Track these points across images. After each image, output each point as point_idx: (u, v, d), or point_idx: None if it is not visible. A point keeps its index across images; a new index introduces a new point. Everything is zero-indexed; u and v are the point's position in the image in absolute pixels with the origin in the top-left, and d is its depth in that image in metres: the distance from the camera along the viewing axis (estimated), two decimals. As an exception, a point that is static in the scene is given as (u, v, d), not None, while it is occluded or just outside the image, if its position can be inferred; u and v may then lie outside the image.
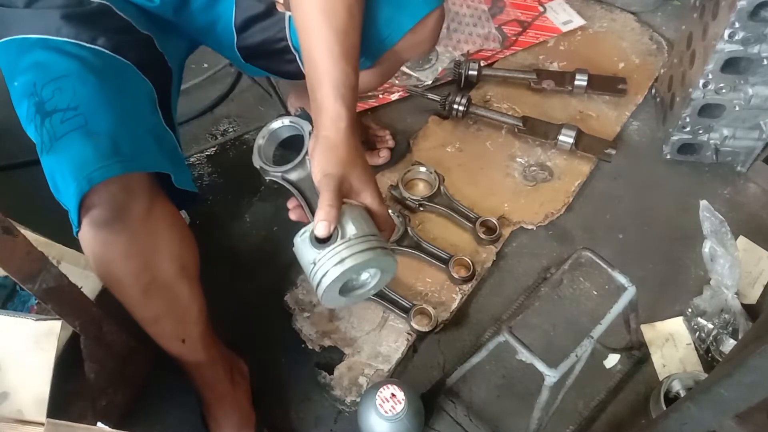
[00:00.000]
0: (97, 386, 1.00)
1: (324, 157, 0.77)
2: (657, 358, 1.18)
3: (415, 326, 1.19)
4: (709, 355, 1.16)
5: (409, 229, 1.30)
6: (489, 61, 1.63)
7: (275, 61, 1.09)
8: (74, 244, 0.84)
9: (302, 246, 0.75)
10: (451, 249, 1.29)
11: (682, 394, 1.08)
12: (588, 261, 0.96)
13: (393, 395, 0.97)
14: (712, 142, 1.37)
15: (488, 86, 1.59)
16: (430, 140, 1.50)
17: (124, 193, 0.78)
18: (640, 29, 1.70)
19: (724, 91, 1.26)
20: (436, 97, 1.51)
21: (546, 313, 1.19)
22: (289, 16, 1.03)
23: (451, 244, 1.32)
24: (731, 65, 1.22)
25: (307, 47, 0.82)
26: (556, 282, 0.98)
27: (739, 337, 1.13)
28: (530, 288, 1.28)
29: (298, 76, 1.10)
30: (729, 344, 1.14)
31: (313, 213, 0.81)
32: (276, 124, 0.88)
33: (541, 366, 0.87)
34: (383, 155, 1.44)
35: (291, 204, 0.84)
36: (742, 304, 1.17)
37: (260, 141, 0.87)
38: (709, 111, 1.31)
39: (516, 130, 1.47)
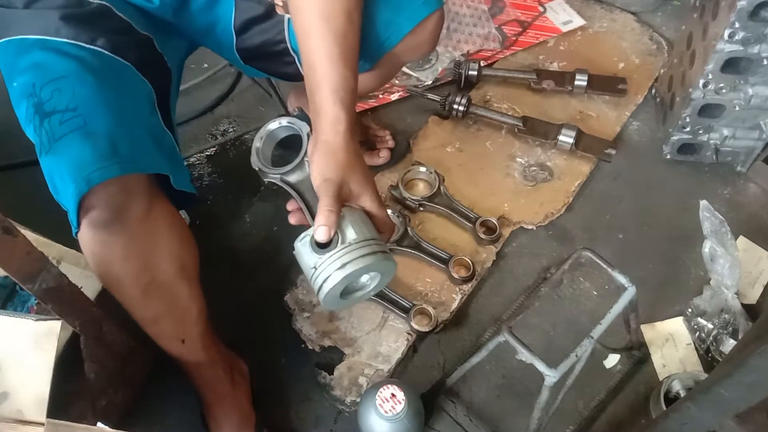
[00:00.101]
0: (97, 386, 1.00)
1: (323, 162, 0.78)
2: (657, 358, 1.18)
3: (415, 326, 1.19)
4: (709, 355, 1.16)
5: (409, 229, 1.30)
6: (489, 61, 1.63)
7: (274, 62, 1.09)
8: (74, 244, 0.84)
9: (302, 250, 0.76)
10: (451, 249, 1.29)
11: (682, 394, 1.08)
12: (588, 261, 0.96)
13: (393, 395, 0.97)
14: (712, 142, 1.37)
15: (488, 86, 1.60)
16: (430, 140, 1.50)
17: (123, 194, 0.78)
18: (640, 29, 1.70)
19: (724, 91, 1.26)
20: (436, 97, 1.51)
21: (546, 313, 1.19)
22: (288, 19, 1.03)
23: (451, 244, 1.32)
24: (731, 65, 1.22)
25: (306, 51, 0.82)
26: (556, 282, 0.98)
27: (739, 337, 1.13)
28: (530, 288, 1.28)
29: (297, 77, 1.10)
30: (729, 344, 1.14)
31: (312, 215, 0.81)
32: (273, 125, 0.88)
33: (541, 366, 0.87)
34: (383, 155, 1.44)
35: (290, 206, 0.84)
36: (742, 304, 1.17)
37: (258, 143, 0.87)
38: (709, 111, 1.31)
39: (516, 130, 1.47)
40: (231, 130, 1.55)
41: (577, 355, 0.89)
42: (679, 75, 1.38)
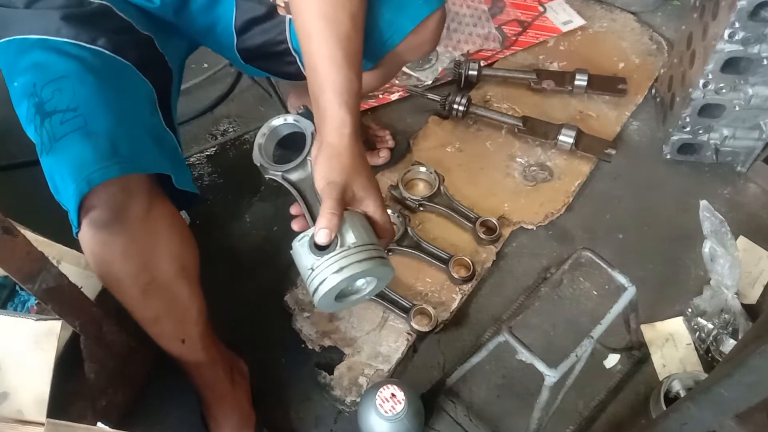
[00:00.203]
0: (97, 386, 1.00)
1: (327, 165, 0.77)
2: (657, 358, 1.18)
3: (415, 326, 1.19)
4: (709, 355, 1.16)
5: (409, 229, 1.30)
6: (489, 61, 1.63)
7: (275, 62, 1.09)
8: (74, 244, 0.84)
9: (300, 251, 0.75)
10: (451, 249, 1.29)
11: (682, 394, 1.08)
12: (588, 261, 0.96)
13: (393, 395, 0.97)
14: (712, 142, 1.37)
15: (488, 86, 1.59)
16: (430, 140, 1.50)
17: (123, 194, 0.78)
18: (640, 29, 1.70)
19: (724, 91, 1.26)
20: (436, 97, 1.51)
21: (546, 313, 1.19)
22: (290, 19, 1.03)
23: (451, 244, 1.32)
24: (731, 65, 1.22)
25: (309, 53, 0.82)
26: (556, 282, 0.98)
27: (739, 337, 1.13)
28: (530, 288, 1.28)
29: (298, 77, 1.10)
30: (729, 344, 1.14)
31: (312, 215, 0.81)
32: (277, 121, 0.87)
33: (541, 366, 0.87)
34: (383, 155, 1.44)
35: (294, 210, 0.84)
36: (742, 304, 1.17)
37: (260, 138, 0.87)
38: (709, 111, 1.31)
39: (516, 130, 1.47)
40: (231, 130, 1.55)
41: (577, 355, 0.89)
42: (679, 75, 1.38)
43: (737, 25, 1.15)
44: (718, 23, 1.19)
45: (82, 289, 0.91)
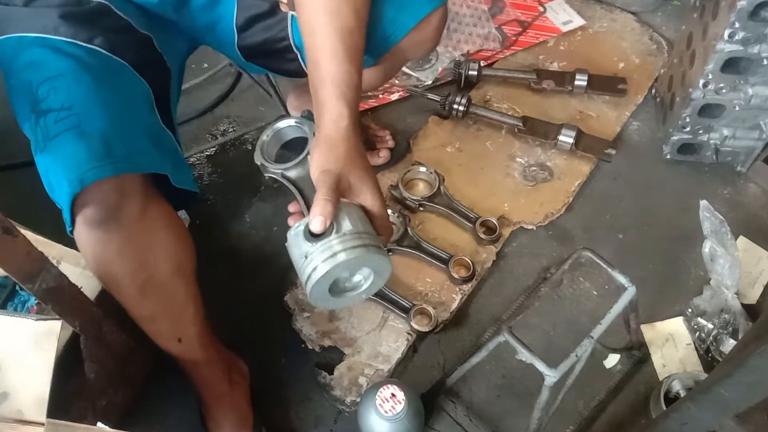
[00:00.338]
0: (97, 386, 1.00)
1: (323, 155, 0.77)
2: (657, 358, 1.18)
3: (415, 326, 1.19)
4: (709, 355, 1.16)
5: (409, 229, 1.30)
6: (489, 61, 1.63)
7: (277, 60, 1.09)
8: (74, 244, 0.84)
9: (295, 240, 0.74)
10: (451, 249, 1.29)
11: (682, 394, 1.08)
12: (588, 261, 0.96)
13: (393, 395, 0.97)
14: (712, 142, 1.37)
15: (488, 86, 1.60)
16: (430, 140, 1.50)
17: (117, 193, 0.78)
18: (640, 29, 1.70)
19: (724, 91, 1.26)
20: (436, 97, 1.51)
21: (546, 313, 1.19)
22: (292, 16, 1.03)
23: (451, 244, 1.32)
24: (731, 65, 1.22)
25: (312, 48, 0.82)
26: (556, 282, 0.98)
27: (739, 337, 1.13)
28: (530, 288, 1.28)
29: (299, 74, 1.10)
30: (729, 344, 1.14)
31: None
32: (282, 124, 0.87)
33: (541, 366, 0.87)
34: (383, 155, 1.44)
35: (292, 208, 0.83)
36: (742, 304, 1.17)
37: (264, 137, 0.87)
38: (709, 111, 1.31)
39: (516, 130, 1.47)
40: (231, 130, 1.55)
41: (577, 355, 0.88)
42: (679, 75, 1.38)
43: (737, 25, 1.15)
44: (718, 23, 1.19)
45: (82, 289, 0.91)
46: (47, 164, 0.79)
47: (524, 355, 0.87)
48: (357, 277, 0.79)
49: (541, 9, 1.74)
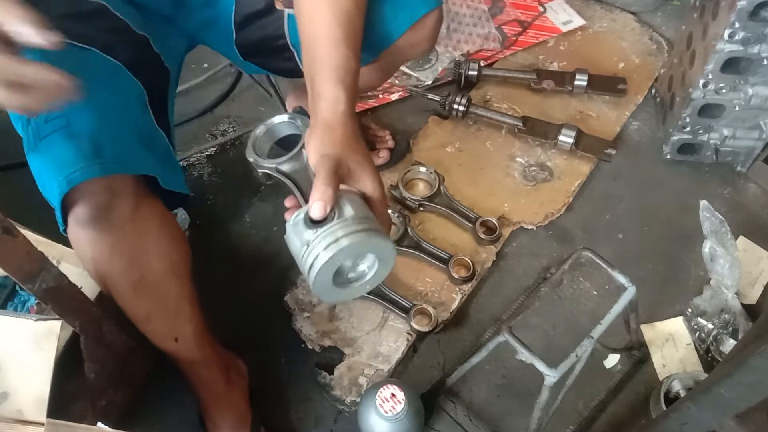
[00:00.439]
0: (97, 386, 1.00)
1: (320, 139, 0.74)
2: (657, 358, 1.18)
3: (415, 326, 1.19)
4: (709, 355, 1.16)
5: (409, 229, 1.30)
6: (489, 61, 1.63)
7: (274, 58, 1.09)
8: (73, 244, 0.84)
9: (295, 229, 0.70)
10: (451, 249, 1.29)
11: (682, 394, 1.08)
12: (588, 261, 0.96)
13: (393, 395, 0.97)
14: (712, 142, 1.37)
15: (488, 86, 1.60)
16: (430, 140, 1.50)
17: (107, 193, 0.78)
18: (640, 29, 1.70)
19: (724, 91, 1.26)
20: (436, 97, 1.51)
21: (546, 313, 1.19)
22: (288, 15, 1.03)
23: (451, 244, 1.32)
24: (731, 65, 1.22)
25: (309, 35, 0.81)
26: (556, 282, 0.98)
27: (739, 337, 1.13)
28: (530, 288, 1.28)
29: (296, 73, 1.10)
30: (729, 344, 1.14)
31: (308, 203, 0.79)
32: (273, 120, 0.85)
33: (541, 366, 0.87)
34: (383, 155, 1.44)
35: (289, 203, 0.83)
36: (742, 304, 1.17)
37: (256, 134, 0.84)
38: (709, 111, 1.31)
39: (516, 130, 1.47)
40: (231, 130, 1.55)
41: (577, 355, 0.88)
42: (679, 75, 1.38)
43: (737, 25, 1.15)
44: (718, 23, 1.19)
45: (82, 289, 0.91)
46: (38, 164, 0.79)
47: (524, 355, 0.87)
48: (361, 266, 0.76)
49: (541, 9, 1.74)
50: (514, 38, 1.68)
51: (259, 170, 0.83)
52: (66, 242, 0.98)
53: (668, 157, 1.43)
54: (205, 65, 1.62)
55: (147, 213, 0.84)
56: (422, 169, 1.40)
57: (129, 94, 0.89)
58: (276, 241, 1.35)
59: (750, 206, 1.38)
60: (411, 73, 1.60)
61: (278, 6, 1.02)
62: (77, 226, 0.79)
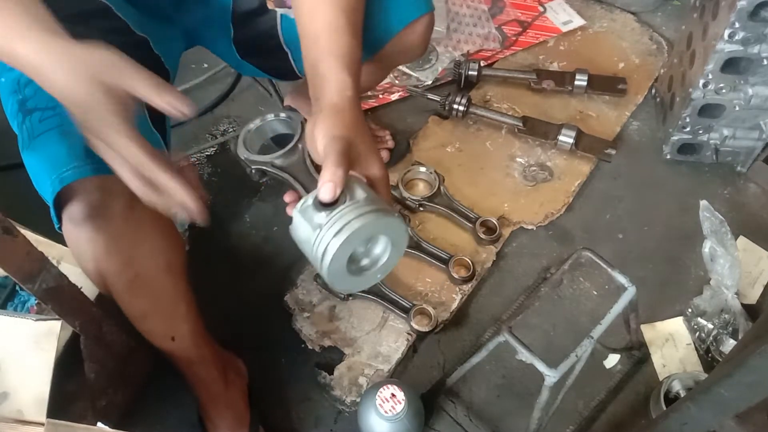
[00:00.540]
0: (97, 386, 1.00)
1: (330, 121, 0.72)
2: (657, 358, 1.18)
3: (415, 326, 1.19)
4: (709, 355, 1.16)
5: (409, 229, 1.30)
6: (489, 61, 1.63)
7: (269, 59, 1.09)
8: (74, 243, 0.84)
9: (303, 215, 0.67)
10: (451, 249, 1.29)
11: (682, 394, 1.08)
12: (588, 261, 0.96)
13: (393, 395, 0.97)
14: (712, 142, 1.37)
15: (488, 86, 1.60)
16: (430, 140, 1.50)
17: (101, 191, 0.78)
18: (640, 29, 1.70)
19: (724, 91, 1.26)
20: (436, 97, 1.51)
21: (546, 313, 1.18)
22: (281, 15, 1.03)
23: (451, 244, 1.32)
24: (731, 65, 1.22)
25: (312, 25, 0.79)
26: (556, 282, 0.98)
27: (739, 337, 1.13)
28: (530, 288, 1.28)
29: (290, 75, 1.10)
30: (729, 344, 1.14)
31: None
32: (267, 117, 0.84)
33: (541, 366, 0.87)
34: (383, 156, 1.44)
35: (288, 198, 0.82)
36: (742, 304, 1.17)
37: (247, 130, 0.83)
38: (709, 111, 1.31)
39: (516, 130, 1.47)
40: (231, 130, 1.55)
41: (577, 355, 0.89)
42: (679, 75, 1.38)
43: (737, 25, 1.15)
44: (718, 23, 1.19)
45: (82, 289, 0.91)
46: (32, 162, 0.80)
47: (524, 355, 0.87)
48: (374, 251, 0.73)
49: (541, 9, 1.74)
50: (514, 38, 1.68)
51: (253, 167, 0.81)
52: (64, 241, 0.99)
53: (668, 157, 1.43)
54: (205, 65, 1.62)
55: (141, 212, 0.84)
56: (422, 169, 1.40)
57: None
58: (276, 241, 1.35)
59: (750, 206, 1.38)
60: (411, 73, 1.60)
61: (270, 5, 1.02)
62: (71, 224, 0.79)
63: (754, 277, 1.26)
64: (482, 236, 1.30)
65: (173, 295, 0.93)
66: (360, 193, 0.67)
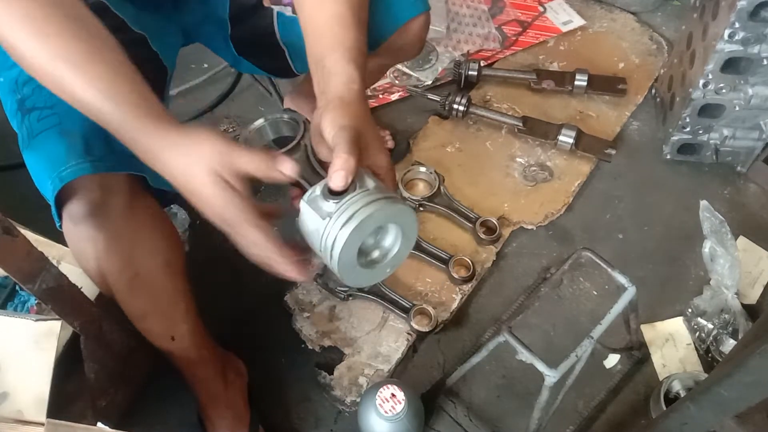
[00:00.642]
0: (97, 386, 1.00)
1: (337, 112, 0.71)
2: (657, 358, 1.18)
3: (415, 326, 1.19)
4: (709, 355, 1.16)
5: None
6: (489, 61, 1.63)
7: (266, 56, 1.09)
8: (74, 243, 0.84)
9: (312, 205, 0.66)
10: (451, 249, 1.29)
11: (682, 394, 1.08)
12: (588, 261, 0.96)
13: (393, 395, 0.97)
14: (712, 142, 1.37)
15: (488, 86, 1.60)
16: (430, 140, 1.50)
17: (100, 190, 0.78)
18: (640, 29, 1.70)
19: (724, 91, 1.26)
20: (436, 97, 1.51)
21: (546, 313, 1.19)
22: (278, 12, 1.03)
23: (451, 244, 1.32)
24: (731, 65, 1.23)
25: (317, 19, 0.79)
26: (556, 282, 0.98)
27: (739, 337, 1.13)
28: (530, 288, 1.28)
29: (288, 73, 1.10)
30: (729, 344, 1.14)
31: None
32: (272, 116, 0.84)
33: (541, 366, 0.87)
34: (383, 155, 1.44)
35: (294, 192, 0.82)
36: (742, 304, 1.17)
37: (252, 127, 0.83)
38: (709, 111, 1.31)
39: (516, 130, 1.47)
40: (231, 130, 1.55)
41: (577, 355, 0.88)
42: (679, 75, 1.38)
43: (737, 25, 1.15)
44: (718, 23, 1.19)
45: (82, 289, 0.91)
46: (32, 161, 0.80)
47: (524, 355, 0.87)
48: (384, 243, 0.72)
49: (541, 9, 1.74)
50: (514, 38, 1.68)
51: None
52: (64, 241, 0.99)
53: (668, 157, 1.43)
54: (205, 65, 1.62)
55: (141, 210, 0.84)
56: (422, 169, 1.40)
57: None
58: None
59: (750, 206, 1.38)
60: (411, 73, 1.61)
61: (265, 3, 1.02)
62: (71, 223, 0.79)
63: (754, 277, 1.26)
64: (482, 236, 1.30)
65: (173, 295, 0.93)
66: (369, 182, 0.66)
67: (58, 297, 0.85)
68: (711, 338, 1.16)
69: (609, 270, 0.95)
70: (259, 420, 1.10)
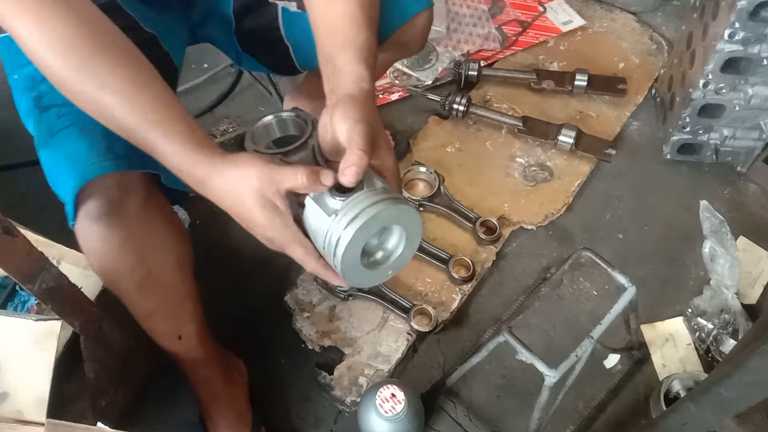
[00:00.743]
0: (97, 386, 1.00)
1: (349, 108, 0.71)
2: (657, 358, 1.18)
3: (415, 326, 1.19)
4: (709, 355, 1.16)
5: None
6: (489, 61, 1.63)
7: (270, 53, 1.09)
8: (74, 244, 0.84)
9: (318, 202, 0.65)
10: (451, 249, 1.29)
11: (682, 394, 1.08)
12: (588, 261, 0.96)
13: (393, 395, 0.97)
14: (712, 142, 1.37)
15: (488, 86, 1.60)
16: (430, 140, 1.50)
17: (119, 188, 0.78)
18: (640, 29, 1.70)
19: (724, 91, 1.26)
20: (436, 97, 1.51)
21: (546, 313, 1.19)
22: (282, 8, 1.03)
23: (451, 244, 1.32)
24: (731, 65, 1.23)
25: (328, 17, 0.79)
26: (556, 282, 0.98)
27: (739, 337, 1.13)
28: (530, 288, 1.28)
29: (292, 70, 1.10)
30: (729, 344, 1.14)
31: None
32: (282, 114, 0.83)
33: (541, 366, 0.87)
34: (383, 155, 1.44)
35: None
36: (742, 304, 1.17)
37: (261, 123, 0.83)
38: (709, 111, 1.31)
39: (516, 130, 1.47)
40: (231, 130, 1.55)
41: (577, 355, 0.88)
42: (679, 75, 1.38)
43: (737, 25, 1.15)
44: (718, 23, 1.19)
45: (82, 289, 0.91)
46: (50, 159, 0.79)
47: (524, 355, 0.87)
48: (389, 244, 0.71)
49: (541, 9, 1.74)
50: (514, 38, 1.68)
51: None
52: (66, 242, 0.98)
53: (668, 157, 1.43)
54: (205, 65, 1.62)
55: (154, 209, 0.84)
56: (422, 169, 1.40)
57: None
58: (276, 241, 1.35)
59: (750, 206, 1.38)
60: (411, 73, 1.60)
61: None
62: (88, 221, 0.79)
63: (754, 277, 1.26)
64: (482, 236, 1.30)
65: (182, 294, 0.93)
66: (377, 182, 0.66)
67: (58, 297, 0.85)
68: (711, 338, 1.16)
69: (609, 270, 0.95)
70: (261, 421, 1.10)
